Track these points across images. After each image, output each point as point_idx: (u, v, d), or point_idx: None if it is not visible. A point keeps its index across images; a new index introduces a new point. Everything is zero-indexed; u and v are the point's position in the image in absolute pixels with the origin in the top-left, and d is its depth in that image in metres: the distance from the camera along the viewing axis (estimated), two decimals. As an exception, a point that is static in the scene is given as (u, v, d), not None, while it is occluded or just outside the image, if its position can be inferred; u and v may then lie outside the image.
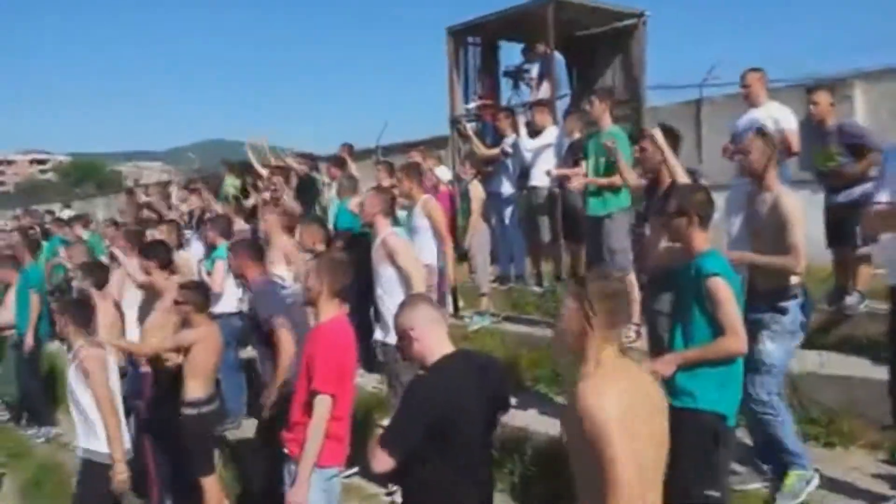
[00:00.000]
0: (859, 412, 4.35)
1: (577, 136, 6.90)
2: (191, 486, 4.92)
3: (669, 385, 3.23)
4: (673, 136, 4.54)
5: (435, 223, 5.93)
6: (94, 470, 4.40)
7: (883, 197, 3.50)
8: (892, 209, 3.48)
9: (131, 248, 6.61)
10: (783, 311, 3.84)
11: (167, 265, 5.50)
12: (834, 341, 5.06)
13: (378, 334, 5.11)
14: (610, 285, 2.36)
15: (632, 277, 5.39)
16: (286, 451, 3.69)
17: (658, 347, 3.98)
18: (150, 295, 5.59)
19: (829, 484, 3.94)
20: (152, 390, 5.25)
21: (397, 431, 2.76)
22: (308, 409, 3.55)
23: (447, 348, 2.87)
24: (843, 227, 5.21)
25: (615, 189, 5.87)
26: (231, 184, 10.42)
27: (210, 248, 7.06)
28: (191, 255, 7.35)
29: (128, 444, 4.54)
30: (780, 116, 5.48)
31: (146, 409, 5.27)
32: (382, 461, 2.72)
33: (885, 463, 4.14)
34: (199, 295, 4.97)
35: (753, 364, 3.87)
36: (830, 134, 5.36)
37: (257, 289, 4.78)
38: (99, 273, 6.04)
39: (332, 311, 3.71)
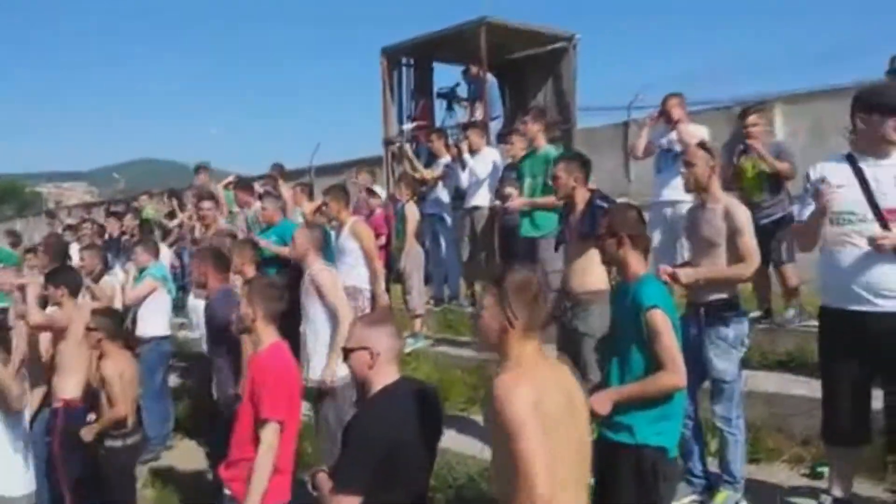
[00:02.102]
0: (781, 427, 4.46)
1: (520, 156, 6.92)
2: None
3: (607, 418, 3.16)
4: (582, 162, 4.63)
5: (364, 246, 5.90)
6: None
7: (805, 214, 3.61)
8: (804, 227, 3.60)
9: (50, 261, 6.33)
10: (724, 324, 3.90)
11: (77, 292, 5.23)
12: (756, 358, 5.18)
13: (303, 371, 5.00)
14: (528, 277, 2.32)
15: None
16: (227, 491, 3.50)
17: (582, 372, 3.97)
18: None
19: (756, 499, 4.01)
20: (64, 425, 4.91)
21: (354, 470, 2.60)
22: (253, 443, 3.36)
23: (393, 377, 2.75)
24: (766, 245, 5.38)
25: (550, 210, 5.92)
26: (152, 208, 10.22)
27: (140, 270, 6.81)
28: (114, 281, 7.06)
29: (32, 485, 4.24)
30: (697, 136, 5.68)
31: (59, 445, 4.95)
32: None
33: (806, 476, 4.24)
34: (113, 322, 4.80)
35: (713, 384, 3.95)
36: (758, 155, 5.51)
37: (217, 295, 4.67)
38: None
39: (270, 337, 3.58)
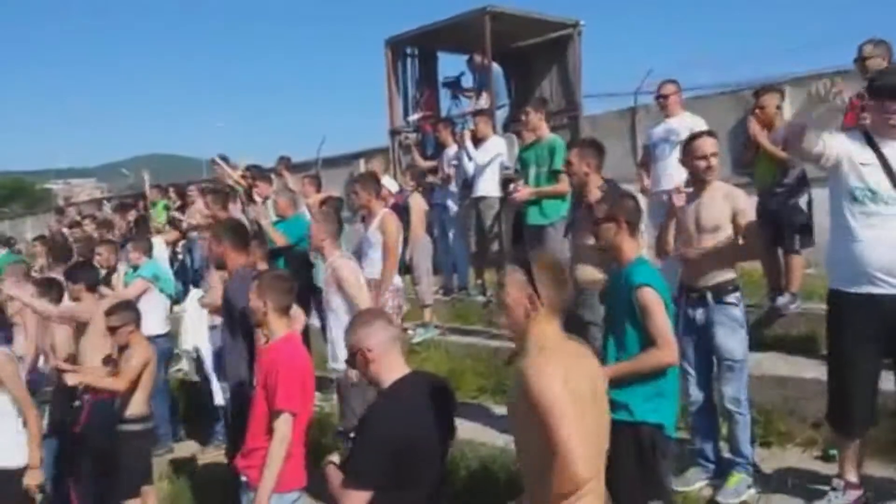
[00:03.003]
0: (793, 411, 4.46)
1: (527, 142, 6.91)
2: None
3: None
4: (596, 148, 4.61)
5: (387, 240, 5.70)
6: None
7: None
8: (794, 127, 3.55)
9: (55, 262, 6.36)
10: (733, 304, 3.93)
11: (95, 287, 5.29)
12: (767, 341, 5.19)
13: (329, 362, 5.07)
14: (555, 258, 2.38)
15: None
16: (243, 478, 3.56)
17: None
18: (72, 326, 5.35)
19: (768, 483, 4.02)
20: (89, 418, 4.98)
21: (365, 465, 2.62)
22: (267, 433, 3.42)
23: (403, 370, 2.78)
24: (779, 229, 5.35)
25: (556, 198, 5.92)
26: (164, 205, 10.25)
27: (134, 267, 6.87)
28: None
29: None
30: (693, 126, 5.66)
31: (80, 437, 5.02)
32: (356, 498, 2.59)
33: (819, 459, 4.24)
34: (134, 312, 4.89)
35: (722, 365, 3.97)
36: (773, 136, 5.37)
37: (237, 277, 4.42)
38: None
39: (283, 329, 3.62)
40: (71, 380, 4.66)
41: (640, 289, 3.23)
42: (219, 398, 6.02)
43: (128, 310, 4.88)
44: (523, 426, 2.23)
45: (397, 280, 5.78)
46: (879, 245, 3.38)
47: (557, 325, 2.32)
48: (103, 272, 6.53)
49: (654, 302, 3.22)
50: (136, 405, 4.76)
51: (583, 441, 2.08)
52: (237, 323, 4.28)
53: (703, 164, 4.01)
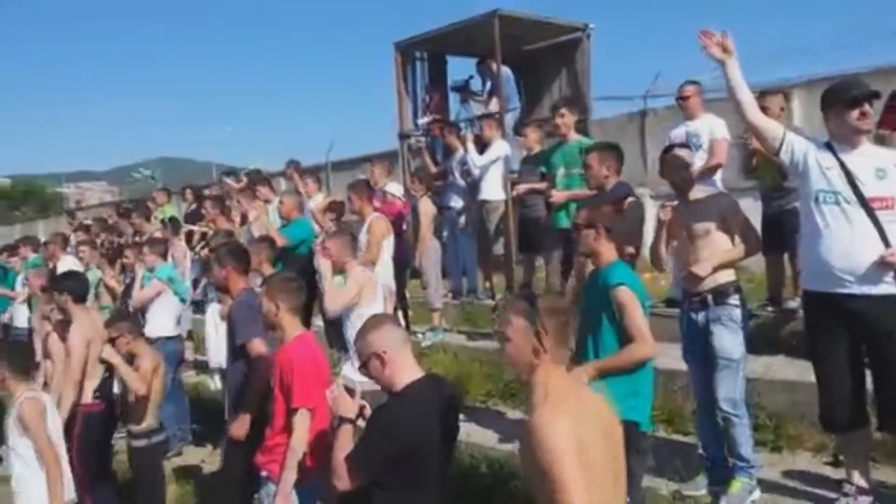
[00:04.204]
0: (803, 415, 4.44)
1: (536, 149, 6.91)
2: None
3: None
4: (617, 152, 4.62)
5: (369, 238, 5.89)
6: None
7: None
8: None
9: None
10: (734, 305, 3.94)
11: (83, 298, 5.22)
12: (775, 346, 5.16)
13: (346, 369, 5.07)
14: (559, 301, 2.37)
15: None
16: (264, 473, 3.65)
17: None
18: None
19: (778, 488, 4.01)
20: (83, 430, 4.87)
21: (361, 458, 2.71)
22: (286, 431, 3.52)
23: (416, 373, 2.81)
24: (781, 233, 5.32)
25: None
26: (170, 211, 10.32)
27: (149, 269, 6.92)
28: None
29: (71, 494, 4.24)
30: (714, 126, 5.62)
31: (78, 450, 4.92)
32: (343, 481, 2.71)
33: (829, 465, 4.22)
34: (132, 322, 4.89)
35: (718, 364, 3.94)
36: None
37: (240, 302, 4.47)
38: (76, 284, 5.41)
39: (296, 329, 3.70)
40: (106, 352, 4.60)
41: (616, 287, 3.41)
42: None
43: (125, 320, 4.89)
44: (532, 474, 2.16)
45: (386, 279, 5.82)
46: (841, 247, 3.45)
47: (563, 371, 2.27)
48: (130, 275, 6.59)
49: (631, 299, 3.39)
50: (144, 417, 4.72)
51: (591, 495, 2.03)
52: (241, 352, 4.30)
53: (676, 177, 4.13)
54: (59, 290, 5.17)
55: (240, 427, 4.12)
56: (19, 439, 4.11)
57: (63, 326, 5.15)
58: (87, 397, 4.90)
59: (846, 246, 3.44)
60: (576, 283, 4.47)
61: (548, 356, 2.23)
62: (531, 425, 2.10)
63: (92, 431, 4.85)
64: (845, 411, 3.58)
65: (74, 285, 5.21)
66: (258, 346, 4.19)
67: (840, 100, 3.53)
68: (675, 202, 4.15)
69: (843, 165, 3.49)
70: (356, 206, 6.08)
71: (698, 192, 4.13)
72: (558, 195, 6.01)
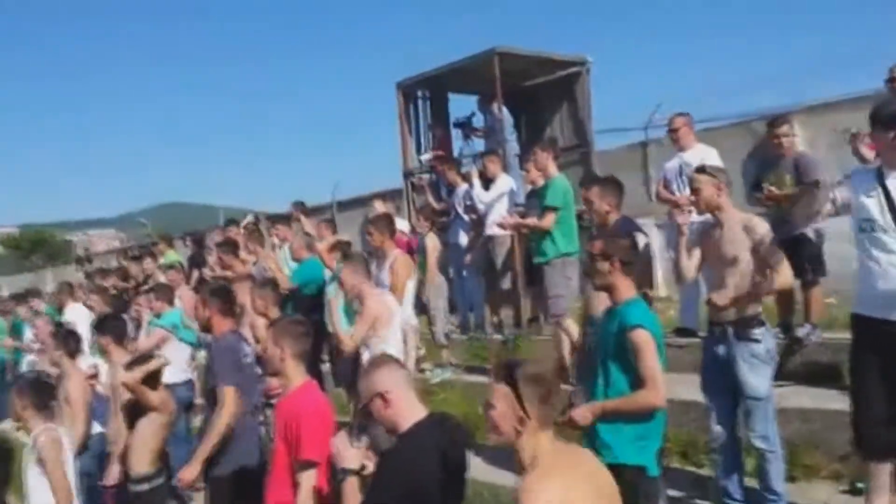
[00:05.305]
0: (819, 444, 4.37)
1: (540, 183, 6.94)
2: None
3: (591, 438, 3.25)
4: (616, 186, 4.63)
5: (394, 280, 5.81)
6: None
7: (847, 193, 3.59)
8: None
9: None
10: (756, 340, 3.87)
11: (122, 339, 5.29)
12: (789, 373, 5.09)
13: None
14: (541, 372, 2.30)
15: (568, 322, 5.52)
16: None
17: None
18: None
19: (797, 519, 3.93)
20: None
21: (376, 502, 2.67)
22: (289, 485, 3.38)
23: (420, 412, 2.77)
24: (790, 260, 5.29)
25: (544, 237, 6.02)
26: (174, 257, 10.36)
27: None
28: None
29: None
30: (706, 157, 5.64)
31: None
32: None
33: (846, 493, 4.15)
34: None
35: (746, 402, 3.90)
36: (785, 166, 5.41)
37: (219, 344, 4.50)
38: (72, 341, 5.66)
39: (300, 378, 3.55)
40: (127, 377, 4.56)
41: (633, 330, 3.23)
42: None
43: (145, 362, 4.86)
44: None
45: (413, 320, 5.79)
46: (887, 273, 3.42)
47: (549, 437, 2.26)
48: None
49: (647, 343, 3.22)
50: (143, 463, 4.63)
51: None
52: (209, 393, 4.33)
53: (693, 197, 4.12)
54: (101, 332, 5.26)
55: (189, 472, 4.17)
56: (36, 473, 4.13)
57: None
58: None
59: (884, 273, 3.41)
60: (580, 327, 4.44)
61: (532, 422, 2.22)
62: (518, 491, 2.11)
63: None
64: (884, 437, 3.48)
65: (115, 327, 5.32)
66: (230, 394, 4.19)
67: (878, 120, 3.42)
68: (701, 221, 4.16)
69: (885, 190, 3.41)
70: (377, 241, 5.94)
71: (733, 216, 3.99)
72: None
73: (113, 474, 4.81)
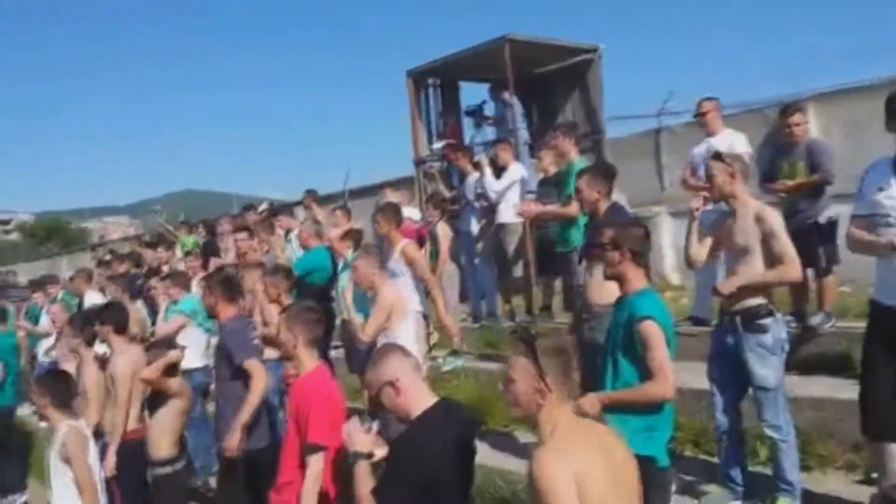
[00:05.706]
0: (832, 433, 4.35)
1: (552, 170, 6.91)
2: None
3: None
4: (605, 174, 4.60)
5: (418, 270, 5.74)
6: None
7: (861, 210, 3.60)
8: (870, 241, 3.54)
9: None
10: (763, 331, 3.85)
11: (124, 329, 5.31)
12: (800, 363, 5.07)
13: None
14: (560, 343, 2.30)
15: None
16: None
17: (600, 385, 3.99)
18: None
19: (810, 508, 3.92)
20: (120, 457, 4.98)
21: (390, 489, 2.69)
22: (299, 467, 3.45)
23: (430, 399, 2.80)
24: (804, 249, 5.25)
25: (570, 224, 5.91)
26: (192, 241, 10.41)
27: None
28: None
29: None
30: (735, 142, 5.58)
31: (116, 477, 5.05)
32: None
33: (861, 483, 4.12)
34: (167, 347, 4.91)
35: (757, 392, 3.91)
36: (798, 153, 5.38)
37: (229, 327, 4.65)
38: (88, 328, 5.61)
39: (312, 363, 3.63)
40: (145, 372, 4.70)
41: (642, 321, 3.20)
42: None
43: (162, 347, 4.90)
44: None
45: (416, 306, 5.79)
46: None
47: (568, 410, 2.27)
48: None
49: (656, 335, 3.18)
50: (164, 448, 4.73)
51: None
52: (230, 378, 4.48)
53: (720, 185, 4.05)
54: (101, 321, 5.26)
55: (233, 440, 4.28)
56: (60, 470, 4.20)
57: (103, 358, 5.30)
58: (132, 424, 5.01)
59: None
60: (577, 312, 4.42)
61: (552, 395, 2.22)
62: (534, 465, 2.10)
63: (138, 459, 4.88)
64: (882, 417, 3.53)
65: (115, 316, 5.32)
66: (255, 367, 4.39)
67: (890, 109, 3.38)
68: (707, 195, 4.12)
69: None
70: (384, 229, 5.90)
71: (747, 205, 3.95)
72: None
73: (109, 465, 4.82)
